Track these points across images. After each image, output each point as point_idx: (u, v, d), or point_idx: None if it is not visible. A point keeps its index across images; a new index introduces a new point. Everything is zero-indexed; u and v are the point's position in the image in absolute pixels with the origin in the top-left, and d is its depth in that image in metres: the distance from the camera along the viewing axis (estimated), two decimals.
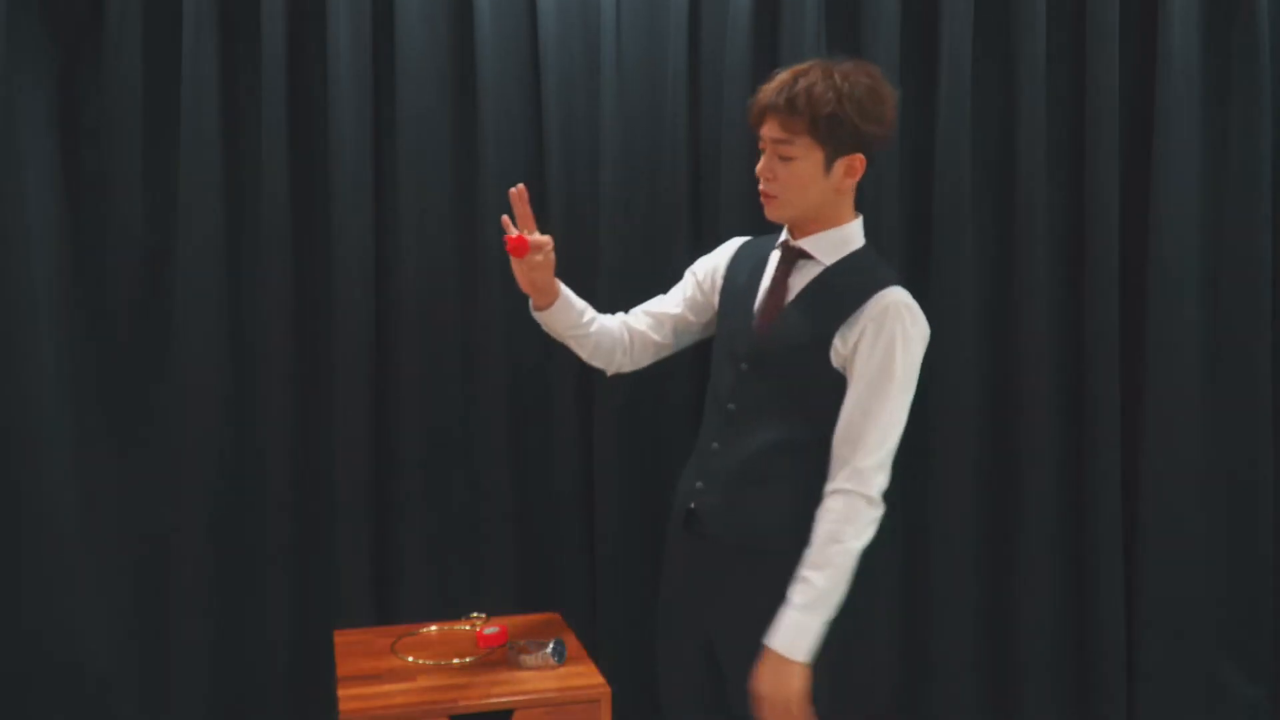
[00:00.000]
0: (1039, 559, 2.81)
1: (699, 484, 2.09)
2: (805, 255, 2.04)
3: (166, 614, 2.53)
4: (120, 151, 2.48)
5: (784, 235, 2.11)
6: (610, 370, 2.26)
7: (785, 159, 1.97)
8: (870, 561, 2.84)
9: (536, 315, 2.17)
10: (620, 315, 2.27)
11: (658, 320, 2.25)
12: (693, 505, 2.09)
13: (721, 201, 2.65)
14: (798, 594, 1.89)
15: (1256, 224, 2.85)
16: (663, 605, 2.19)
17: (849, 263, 2.03)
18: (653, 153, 2.67)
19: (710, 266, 2.24)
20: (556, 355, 2.65)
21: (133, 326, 2.52)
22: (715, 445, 2.08)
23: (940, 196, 2.73)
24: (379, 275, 2.58)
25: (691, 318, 2.25)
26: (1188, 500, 2.84)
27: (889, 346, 1.94)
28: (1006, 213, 2.79)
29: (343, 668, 2.19)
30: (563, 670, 2.16)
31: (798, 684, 1.87)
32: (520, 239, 2.04)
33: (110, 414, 2.53)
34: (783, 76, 1.99)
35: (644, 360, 2.28)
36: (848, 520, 1.91)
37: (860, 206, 2.09)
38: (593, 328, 2.18)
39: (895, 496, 2.75)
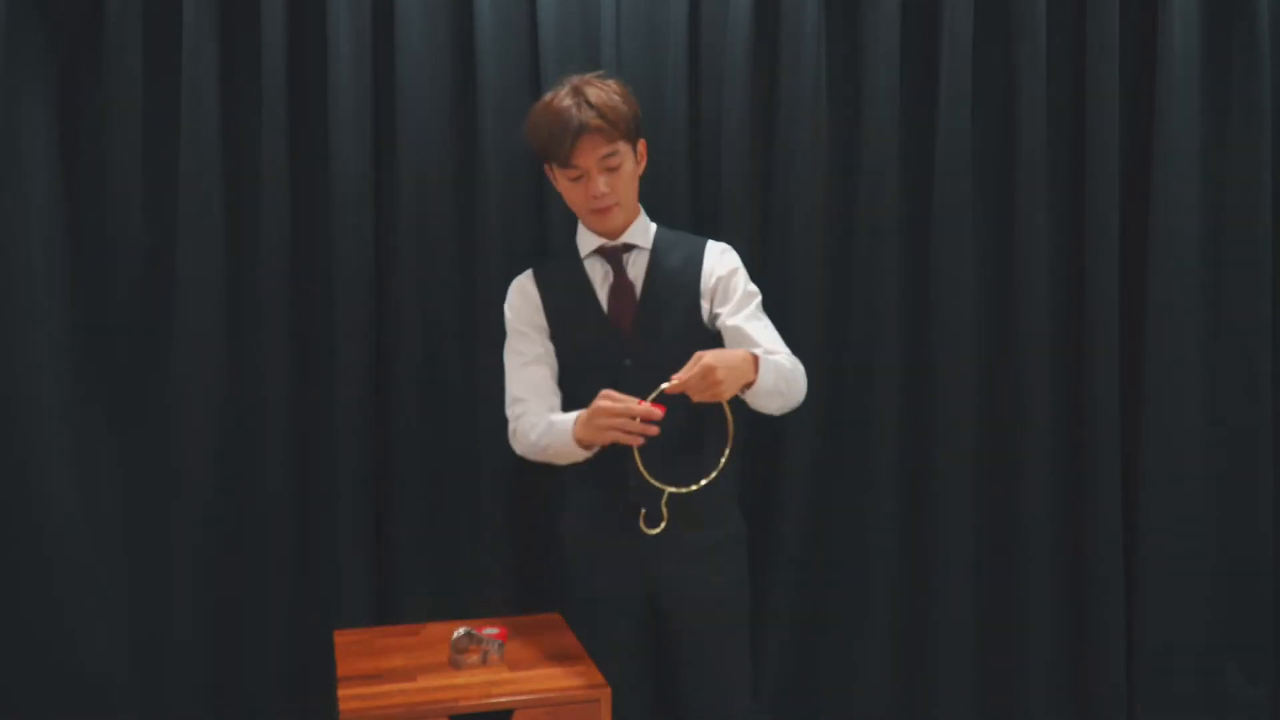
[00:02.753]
0: (1039, 560, 2.81)
1: (634, 482, 2.17)
2: (631, 247, 2.27)
3: (166, 614, 2.53)
4: (120, 151, 2.47)
5: (593, 244, 2.28)
6: None
7: (613, 169, 2.19)
8: (868, 557, 2.83)
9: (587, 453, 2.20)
10: (551, 414, 2.26)
11: (553, 388, 2.31)
12: (644, 509, 2.21)
13: (722, 201, 2.65)
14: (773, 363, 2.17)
15: (1256, 224, 2.85)
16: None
17: (663, 238, 2.32)
18: (653, 152, 2.66)
19: (528, 318, 2.31)
20: None
21: (133, 326, 2.52)
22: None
23: (940, 196, 2.73)
24: (379, 275, 2.58)
25: (556, 364, 2.33)
26: (1188, 500, 2.84)
27: (737, 272, 2.29)
28: (1006, 213, 2.79)
29: (343, 668, 2.19)
30: (563, 670, 2.16)
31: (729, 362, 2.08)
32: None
33: (110, 414, 2.52)
34: (560, 104, 2.16)
35: None
36: (796, 363, 2.26)
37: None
38: None
39: (895, 495, 2.77)
